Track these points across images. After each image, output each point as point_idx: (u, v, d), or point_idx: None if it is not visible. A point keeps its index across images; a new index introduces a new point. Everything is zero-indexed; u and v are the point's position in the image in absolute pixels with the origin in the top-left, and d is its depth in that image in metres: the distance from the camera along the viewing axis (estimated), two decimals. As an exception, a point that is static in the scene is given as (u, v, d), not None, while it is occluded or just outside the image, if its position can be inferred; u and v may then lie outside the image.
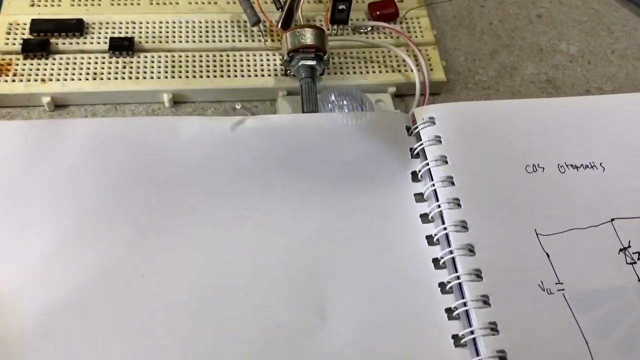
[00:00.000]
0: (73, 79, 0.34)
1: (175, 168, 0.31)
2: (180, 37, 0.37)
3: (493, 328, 0.27)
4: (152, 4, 0.38)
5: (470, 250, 0.29)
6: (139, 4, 0.38)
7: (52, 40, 0.35)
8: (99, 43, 0.36)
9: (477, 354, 0.27)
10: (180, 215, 0.30)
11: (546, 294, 0.28)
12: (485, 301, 0.28)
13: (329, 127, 0.32)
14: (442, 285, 0.29)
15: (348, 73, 0.37)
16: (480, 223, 0.30)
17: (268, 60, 0.36)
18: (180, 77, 0.35)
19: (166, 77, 0.35)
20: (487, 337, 0.27)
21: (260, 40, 0.37)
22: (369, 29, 0.38)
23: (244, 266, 0.29)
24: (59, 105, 0.35)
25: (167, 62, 0.35)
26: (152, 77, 0.35)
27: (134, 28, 0.37)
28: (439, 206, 0.30)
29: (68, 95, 0.34)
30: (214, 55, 0.36)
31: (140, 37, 0.36)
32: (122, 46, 0.35)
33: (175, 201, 0.30)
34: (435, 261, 0.30)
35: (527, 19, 0.43)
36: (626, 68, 0.41)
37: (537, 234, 0.30)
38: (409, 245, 0.30)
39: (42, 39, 0.35)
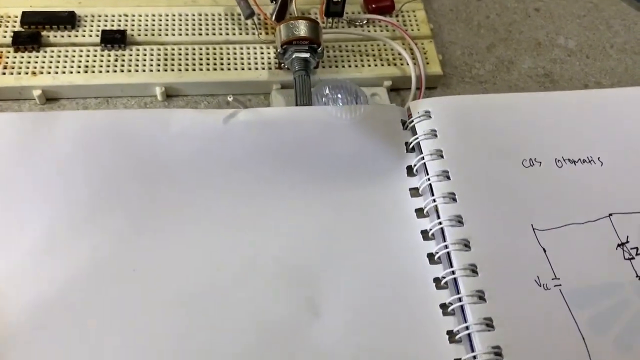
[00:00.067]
0: (64, 72, 0.34)
1: (167, 161, 0.30)
2: (173, 30, 0.36)
3: (488, 324, 0.27)
4: (144, -4, 0.37)
5: (466, 245, 0.29)
6: (131, -3, 0.37)
7: (44, 32, 0.35)
8: (90, 36, 0.35)
9: (472, 350, 0.26)
10: (173, 209, 0.29)
11: (542, 289, 0.28)
12: (481, 296, 0.27)
13: (323, 120, 0.32)
14: (437, 280, 0.29)
15: (343, 66, 0.36)
16: (476, 218, 0.29)
17: (262, 53, 0.36)
18: (173, 70, 0.35)
19: (159, 70, 0.34)
20: (482, 333, 0.26)
21: (254, 33, 0.37)
22: (364, 21, 0.38)
23: (237, 261, 0.29)
24: (50, 98, 0.34)
25: (159, 55, 0.35)
26: (144, 70, 0.34)
27: (126, 21, 0.36)
28: (434, 200, 0.30)
29: (59, 88, 0.34)
30: (207, 48, 0.36)
31: (133, 30, 0.36)
32: (114, 39, 0.35)
33: (167, 194, 0.30)
34: (430, 256, 0.29)
35: (524, 12, 0.42)
36: (625, 62, 0.40)
37: (533, 229, 0.29)
38: (403, 240, 0.30)
39: (33, 32, 0.35)
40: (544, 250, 0.29)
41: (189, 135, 0.31)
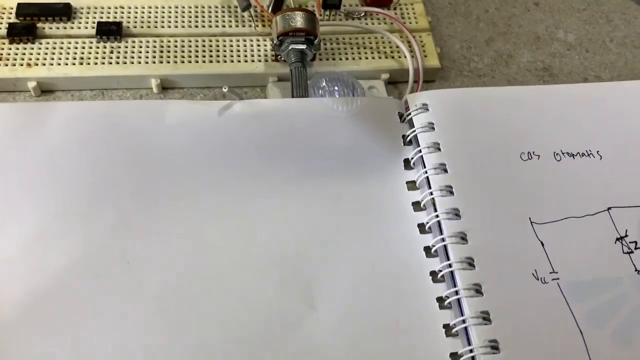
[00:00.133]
0: (59, 64, 0.34)
1: (161, 152, 0.30)
2: (169, 21, 0.36)
3: (485, 317, 0.26)
4: (141, -12, 0.37)
5: (463, 238, 0.28)
6: (127, -11, 0.37)
7: (39, 24, 0.35)
8: (86, 28, 0.35)
9: (469, 344, 0.26)
10: (166, 201, 0.29)
11: (540, 283, 0.27)
12: (478, 290, 0.27)
13: (319, 112, 0.32)
14: (433, 274, 0.28)
15: (340, 59, 0.36)
16: (473, 211, 0.29)
17: (258, 45, 0.36)
18: (169, 62, 0.34)
19: (154, 62, 0.34)
20: (479, 327, 0.26)
21: (250, 26, 0.36)
22: (362, 14, 0.38)
23: (232, 252, 0.28)
24: (45, 90, 0.34)
25: (155, 47, 0.35)
26: (140, 62, 0.34)
27: (122, 12, 0.36)
28: (431, 194, 0.30)
29: (54, 80, 0.34)
30: (203, 41, 0.35)
31: (129, 22, 0.36)
32: (109, 31, 0.34)
33: (161, 186, 0.29)
34: (427, 249, 0.29)
35: (524, 6, 0.42)
36: (625, 56, 0.40)
37: (531, 222, 0.29)
38: (400, 233, 0.30)
39: (28, 23, 0.34)
40: (542, 244, 0.28)
41: (184, 127, 0.30)
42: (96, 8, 0.36)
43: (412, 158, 0.31)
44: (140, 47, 0.35)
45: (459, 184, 0.30)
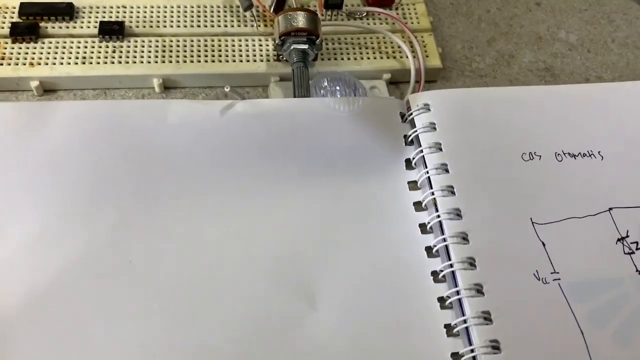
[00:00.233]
0: (62, 63, 0.34)
1: (163, 152, 0.30)
2: (172, 21, 0.36)
3: (486, 317, 0.26)
4: (143, -12, 0.37)
5: (464, 238, 0.28)
6: (130, -12, 0.37)
7: (42, 24, 0.35)
8: (88, 27, 0.35)
9: (470, 344, 0.26)
10: (168, 200, 0.29)
11: (541, 283, 0.27)
12: (479, 290, 0.27)
13: (321, 112, 0.32)
14: (434, 274, 0.28)
15: (342, 59, 0.36)
16: (475, 211, 0.29)
17: (260, 45, 0.36)
18: (171, 62, 0.34)
19: (156, 62, 0.34)
20: (480, 327, 0.26)
21: (252, 26, 0.36)
22: (364, 14, 0.38)
23: (233, 252, 0.28)
24: (48, 89, 0.34)
25: (157, 46, 0.35)
26: (142, 62, 0.34)
27: (124, 12, 0.36)
28: (432, 194, 0.30)
29: (57, 79, 0.34)
30: (206, 40, 0.35)
31: (131, 21, 0.36)
32: (112, 30, 0.35)
33: (163, 186, 0.29)
34: (428, 250, 0.29)
35: (525, 6, 0.42)
36: (626, 57, 0.40)
37: (532, 223, 0.29)
38: (401, 233, 0.30)
39: (31, 23, 0.34)
40: (543, 244, 0.28)
41: (186, 126, 0.31)
42: (98, 7, 0.36)
43: (413, 158, 0.31)
44: (143, 46, 0.35)
45: (461, 184, 0.30)
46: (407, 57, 0.36)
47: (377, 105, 0.33)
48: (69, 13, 0.35)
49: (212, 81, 0.35)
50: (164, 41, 0.35)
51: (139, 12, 0.36)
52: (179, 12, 0.36)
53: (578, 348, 0.26)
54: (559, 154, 0.31)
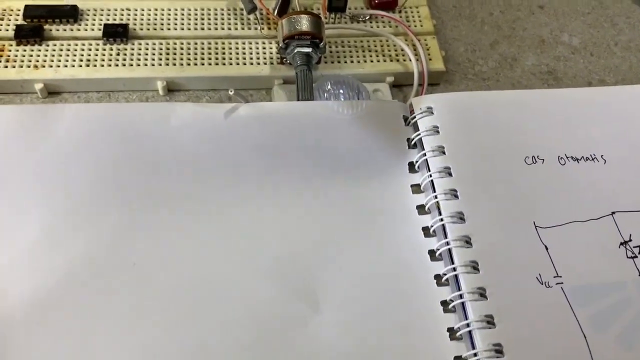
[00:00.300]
0: (66, 66, 0.34)
1: (168, 155, 0.30)
2: (176, 24, 0.36)
3: (489, 321, 0.26)
4: (147, -10, 0.37)
5: (467, 242, 0.28)
6: (133, -9, 0.37)
7: (46, 26, 0.35)
8: (92, 30, 0.35)
9: (473, 347, 0.26)
10: (172, 203, 0.29)
11: (544, 287, 0.27)
12: (482, 294, 0.27)
13: (324, 115, 0.32)
14: (438, 277, 0.28)
15: (345, 62, 0.36)
16: (478, 214, 0.29)
17: (264, 48, 0.36)
18: (175, 64, 0.35)
19: (160, 65, 0.34)
20: (483, 330, 0.26)
21: (256, 28, 0.36)
22: (367, 17, 0.38)
23: (236, 256, 0.28)
24: (52, 92, 0.34)
25: (161, 49, 0.35)
26: (146, 65, 0.34)
27: (128, 15, 0.36)
28: (435, 197, 0.30)
29: (61, 82, 0.34)
30: (209, 43, 0.36)
31: (135, 24, 0.36)
32: (116, 33, 0.35)
33: (167, 188, 0.30)
34: (432, 253, 0.29)
35: (528, 9, 0.42)
36: (629, 60, 0.40)
37: (535, 226, 0.29)
38: (404, 236, 0.30)
39: (35, 25, 0.35)
40: (546, 248, 0.28)
41: (190, 129, 0.31)
42: (102, 10, 0.36)
43: (416, 161, 0.32)
44: (147, 49, 0.35)
45: (464, 188, 0.30)
46: (410, 60, 0.36)
47: (380, 109, 0.33)
48: (73, 15, 0.35)
49: (215, 84, 0.35)
50: (168, 44, 0.35)
51: (142, 14, 0.36)
52: (182, 14, 0.36)
53: (581, 352, 0.26)
54: (562, 158, 0.31)
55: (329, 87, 0.34)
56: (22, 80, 0.33)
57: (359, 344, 0.27)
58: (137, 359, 0.25)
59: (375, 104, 0.33)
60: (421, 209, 0.30)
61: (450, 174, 0.30)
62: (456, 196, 0.30)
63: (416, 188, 0.31)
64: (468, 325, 0.26)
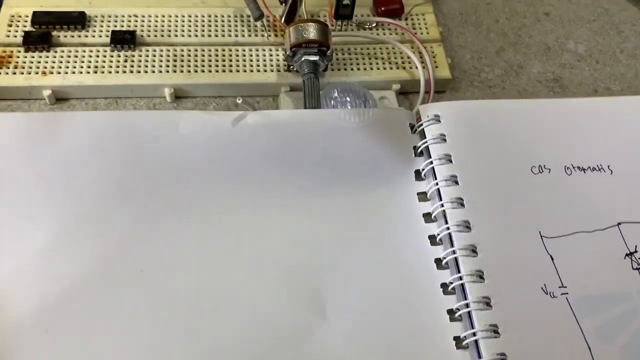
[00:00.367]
0: (74, 72, 0.34)
1: (176, 163, 0.30)
2: (183, 31, 0.36)
3: (495, 330, 0.27)
4: (155, -3, 0.38)
5: (473, 250, 0.29)
6: (141, -2, 0.37)
7: (54, 32, 0.35)
8: (100, 36, 0.35)
9: (479, 356, 0.26)
10: (180, 211, 0.29)
11: (549, 297, 0.28)
12: (487, 303, 0.27)
13: (331, 123, 0.32)
14: (444, 285, 0.29)
15: (352, 69, 0.36)
16: (484, 223, 0.29)
17: (271, 55, 0.36)
18: (182, 71, 0.35)
19: (168, 72, 0.35)
20: (488, 340, 0.26)
21: (263, 35, 0.37)
22: (373, 24, 0.38)
23: (244, 263, 0.29)
24: (60, 98, 0.34)
25: (169, 56, 0.35)
26: (153, 71, 0.34)
27: (136, 21, 0.36)
28: (442, 205, 0.30)
29: (69, 88, 0.34)
30: (217, 50, 0.36)
31: (143, 31, 0.36)
32: (124, 39, 0.35)
33: (175, 196, 0.30)
34: (438, 261, 0.29)
35: (534, 17, 0.42)
36: (635, 68, 0.40)
37: (541, 236, 0.29)
38: (411, 244, 0.30)
39: (43, 32, 0.35)
40: (552, 258, 0.29)
41: (198, 137, 0.31)
42: (110, 16, 0.36)
43: (423, 169, 0.32)
44: (154, 56, 0.35)
45: (470, 197, 0.30)
46: (416, 67, 0.36)
47: (387, 117, 0.33)
48: (81, 22, 0.35)
49: (223, 91, 0.35)
50: (175, 50, 0.35)
51: (150, 21, 0.36)
52: (190, 21, 0.37)
53: (585, 362, 0.26)
54: (568, 168, 0.31)
55: (336, 94, 0.34)
56: (31, 86, 0.33)
57: (366, 352, 0.27)
58: (146, 367, 0.26)
59: (381, 111, 0.33)
60: (427, 217, 0.31)
61: (456, 183, 0.30)
62: (462, 205, 0.30)
63: (422, 196, 0.31)
64: (474, 334, 0.27)
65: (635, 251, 0.29)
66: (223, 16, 0.37)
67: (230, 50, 0.36)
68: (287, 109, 0.34)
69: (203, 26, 0.37)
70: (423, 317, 0.28)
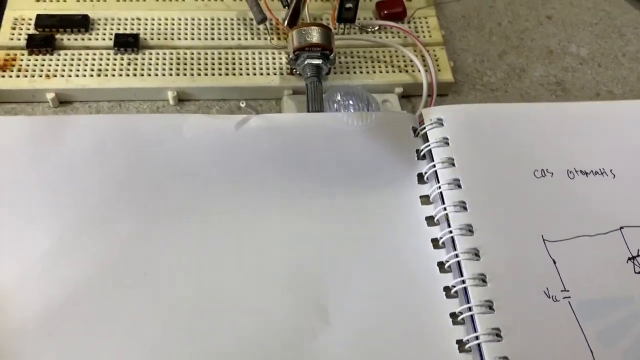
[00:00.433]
0: (77, 75, 0.34)
1: (179, 166, 0.30)
2: (186, 34, 0.36)
3: (497, 334, 0.27)
4: (157, 0, 0.37)
5: (476, 254, 0.29)
6: (144, 1, 0.37)
7: (57, 35, 0.35)
8: (104, 39, 0.35)
9: (481, 360, 0.26)
10: (183, 214, 0.30)
11: (552, 301, 0.28)
12: (490, 306, 0.27)
13: (334, 127, 0.32)
14: (447, 289, 0.29)
15: (354, 72, 0.36)
16: (487, 227, 0.29)
17: (274, 58, 0.36)
18: (185, 74, 0.35)
19: (171, 75, 0.35)
20: (490, 343, 0.26)
21: (266, 39, 0.37)
22: (376, 28, 0.38)
23: (247, 267, 0.29)
24: (63, 101, 0.35)
25: (172, 59, 0.35)
26: (157, 75, 0.35)
27: (139, 24, 0.36)
28: (444, 209, 0.30)
29: (72, 91, 0.34)
30: (220, 53, 0.36)
31: (146, 34, 0.36)
32: (127, 42, 0.35)
33: (178, 199, 0.30)
34: (440, 265, 0.29)
35: (536, 20, 0.42)
36: (637, 71, 0.40)
37: (543, 240, 0.29)
38: (413, 248, 0.30)
39: (47, 35, 0.35)
40: (554, 262, 0.29)
41: (202, 141, 0.31)
42: (114, 20, 0.36)
43: (425, 172, 0.32)
44: (157, 59, 0.35)
45: (473, 200, 0.30)
46: (419, 71, 0.36)
47: (390, 120, 0.33)
48: (84, 25, 0.35)
49: (225, 94, 0.35)
50: (179, 54, 0.35)
51: (153, 24, 0.36)
52: (193, 24, 0.37)
53: (588, 366, 0.26)
54: (570, 172, 0.31)
55: (339, 98, 0.34)
56: (34, 89, 0.34)
57: (368, 356, 0.27)
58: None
59: (384, 115, 0.33)
60: (430, 220, 0.31)
61: (459, 186, 0.30)
62: (465, 208, 0.30)
63: (425, 199, 0.31)
64: (477, 337, 0.27)
65: (638, 255, 0.29)
66: (226, 19, 0.37)
67: (233, 54, 0.36)
68: (290, 112, 0.34)
69: (206, 29, 0.37)
70: (425, 320, 0.28)
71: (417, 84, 0.36)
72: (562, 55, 0.40)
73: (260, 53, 0.36)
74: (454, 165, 0.31)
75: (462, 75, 0.39)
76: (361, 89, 0.35)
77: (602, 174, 0.31)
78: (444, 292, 0.29)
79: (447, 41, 0.40)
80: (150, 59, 0.35)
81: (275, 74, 0.35)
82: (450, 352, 0.27)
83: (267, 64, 0.36)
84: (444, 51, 0.38)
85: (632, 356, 0.26)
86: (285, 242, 0.30)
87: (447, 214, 0.30)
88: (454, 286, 0.28)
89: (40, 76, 0.34)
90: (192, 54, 0.35)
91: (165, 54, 0.35)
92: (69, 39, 0.35)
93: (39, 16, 0.35)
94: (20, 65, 0.34)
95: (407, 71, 0.37)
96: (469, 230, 0.29)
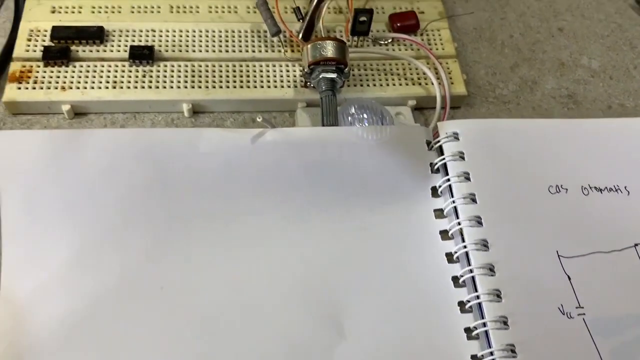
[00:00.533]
0: (93, 87, 0.34)
1: (196, 180, 0.31)
2: (200, 46, 0.36)
3: (512, 349, 0.27)
4: (172, 12, 0.38)
5: (491, 269, 0.29)
6: (159, 12, 0.37)
7: (73, 47, 0.35)
8: (119, 51, 0.36)
9: (497, 376, 0.27)
10: (200, 228, 0.30)
11: (566, 317, 0.28)
12: (504, 322, 0.28)
13: (349, 140, 0.32)
14: (461, 304, 0.29)
15: (368, 85, 0.36)
16: (501, 242, 0.29)
17: (288, 71, 0.36)
18: (200, 87, 0.35)
19: (186, 87, 0.35)
20: (505, 359, 0.27)
21: (280, 51, 0.37)
22: (389, 40, 0.38)
23: (262, 280, 0.29)
24: (79, 113, 0.35)
25: (187, 71, 0.35)
26: (171, 87, 0.35)
27: (154, 36, 0.36)
28: (459, 223, 0.30)
29: (88, 103, 0.34)
30: (234, 66, 0.36)
31: (160, 46, 0.36)
32: (142, 55, 0.35)
33: (195, 214, 0.30)
34: (455, 279, 0.30)
35: (548, 32, 0.42)
36: (648, 84, 0.40)
37: (558, 256, 0.29)
38: (428, 262, 0.30)
39: (62, 46, 0.35)
40: (569, 278, 0.29)
41: (218, 154, 0.31)
42: (129, 31, 0.36)
43: (439, 186, 0.32)
44: (172, 71, 0.35)
45: (488, 215, 0.30)
46: (432, 83, 0.36)
47: (404, 134, 0.33)
48: (99, 37, 0.36)
49: (240, 106, 0.36)
50: (193, 66, 0.36)
51: (168, 36, 0.37)
52: (207, 37, 0.37)
53: (602, 383, 0.26)
54: (585, 188, 0.32)
55: (353, 111, 0.34)
56: (50, 101, 0.34)
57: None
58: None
59: (399, 129, 0.33)
60: (444, 234, 0.31)
61: (474, 201, 0.31)
62: (480, 223, 0.30)
63: (439, 212, 0.32)
64: (492, 353, 0.27)
65: (653, 273, 0.29)
66: (240, 32, 0.37)
67: (248, 66, 0.36)
68: (304, 124, 0.35)
69: (220, 41, 0.37)
70: (440, 335, 0.28)
71: (430, 97, 0.36)
72: (574, 68, 0.40)
73: (274, 65, 0.36)
74: (469, 179, 0.31)
75: (475, 88, 0.39)
76: (375, 103, 0.35)
77: (616, 190, 0.31)
78: (459, 307, 0.29)
79: (460, 53, 0.40)
80: (165, 71, 0.35)
81: (289, 87, 0.36)
82: (466, 367, 0.27)
83: (281, 76, 0.36)
84: (457, 64, 0.38)
85: (647, 374, 0.27)
86: (300, 256, 0.30)
87: (461, 228, 0.30)
88: (469, 301, 0.29)
89: (56, 88, 0.34)
90: (207, 66, 0.36)
91: (180, 66, 0.35)
92: (84, 51, 0.35)
93: (54, 28, 0.35)
94: (37, 77, 0.34)
95: (420, 84, 0.37)
96: (484, 245, 0.29)
